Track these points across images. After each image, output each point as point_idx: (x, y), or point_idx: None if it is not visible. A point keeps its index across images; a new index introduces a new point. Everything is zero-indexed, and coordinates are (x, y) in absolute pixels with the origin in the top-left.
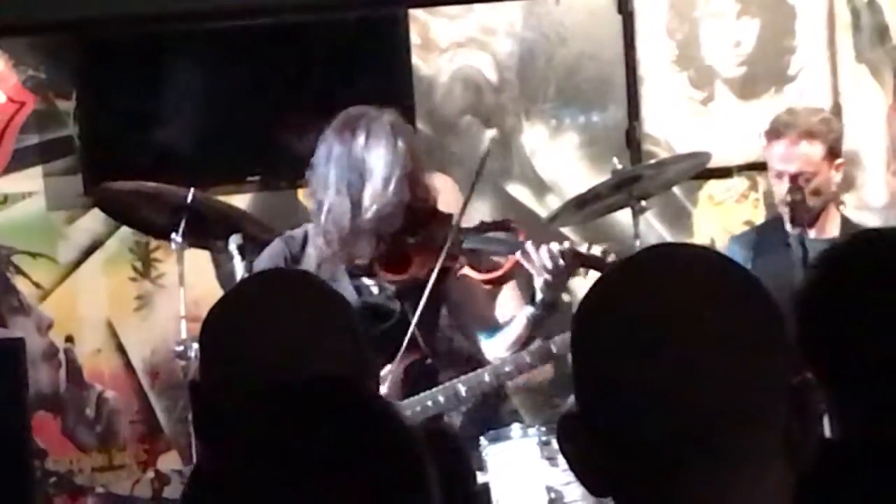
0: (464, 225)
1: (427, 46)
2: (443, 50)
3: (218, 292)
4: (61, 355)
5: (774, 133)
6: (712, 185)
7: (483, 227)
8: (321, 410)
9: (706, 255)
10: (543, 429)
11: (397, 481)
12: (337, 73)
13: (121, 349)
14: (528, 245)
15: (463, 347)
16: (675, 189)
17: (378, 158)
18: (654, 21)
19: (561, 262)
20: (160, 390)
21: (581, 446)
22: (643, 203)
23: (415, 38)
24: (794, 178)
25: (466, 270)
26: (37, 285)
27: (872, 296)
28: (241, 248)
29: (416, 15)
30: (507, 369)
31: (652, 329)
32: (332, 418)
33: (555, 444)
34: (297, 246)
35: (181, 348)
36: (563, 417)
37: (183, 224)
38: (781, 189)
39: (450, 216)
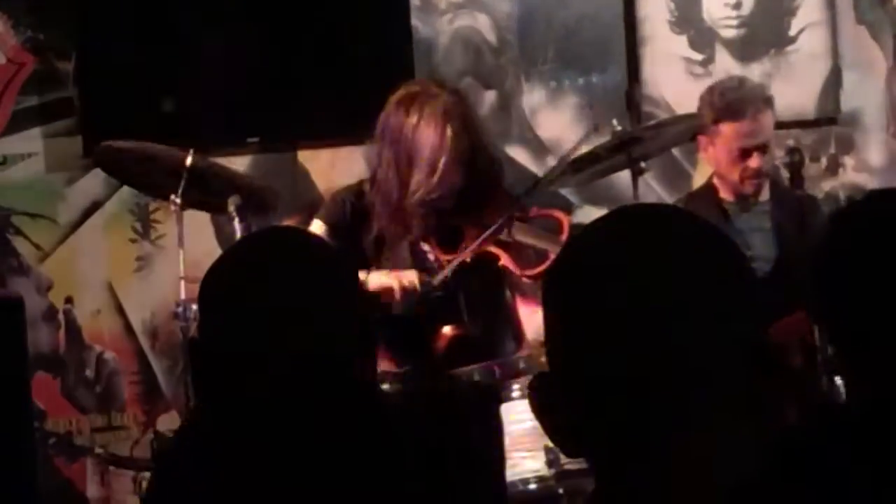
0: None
1: (426, 8)
2: (442, 11)
3: (218, 254)
4: (61, 316)
5: (732, 114)
6: None
7: (534, 213)
8: (307, 393)
9: (676, 214)
10: None
11: (373, 464)
12: (336, 35)
13: (120, 310)
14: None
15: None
16: (675, 151)
17: (426, 143)
18: None
19: None
20: (160, 351)
21: (553, 404)
22: (642, 164)
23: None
24: (761, 148)
25: (507, 263)
26: (37, 246)
27: (891, 255)
28: (240, 209)
29: None
30: (543, 360)
31: (617, 281)
32: (317, 401)
33: None
34: (363, 200)
35: (180, 309)
36: (534, 377)
37: (182, 185)
38: (738, 169)
39: (508, 196)
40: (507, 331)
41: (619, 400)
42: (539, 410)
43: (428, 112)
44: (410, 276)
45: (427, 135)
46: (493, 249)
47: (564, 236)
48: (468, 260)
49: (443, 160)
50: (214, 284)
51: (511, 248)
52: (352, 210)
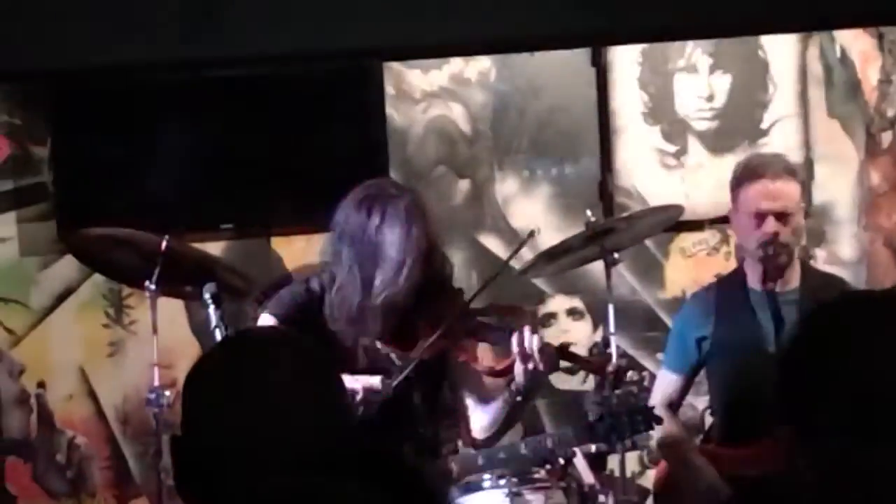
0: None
1: (401, 97)
2: (417, 100)
3: (191, 340)
4: (33, 401)
5: (750, 175)
6: (684, 238)
7: (493, 310)
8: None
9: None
10: (515, 480)
11: None
12: (312, 123)
13: (92, 395)
14: (526, 331)
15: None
16: (647, 241)
17: (391, 244)
18: (627, 74)
19: (546, 356)
20: (131, 437)
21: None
22: (615, 255)
23: (389, 88)
24: (779, 217)
25: (467, 359)
26: (9, 331)
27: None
28: (215, 297)
29: (391, 65)
30: (500, 455)
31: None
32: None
33: (526, 496)
34: (316, 292)
35: (153, 395)
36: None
37: (157, 271)
38: (756, 236)
39: (460, 292)
40: (458, 428)
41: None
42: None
43: (391, 212)
44: (373, 380)
45: (392, 237)
46: (451, 346)
47: (527, 330)
48: (425, 357)
49: (409, 260)
50: (201, 385)
51: (469, 343)
52: (301, 305)
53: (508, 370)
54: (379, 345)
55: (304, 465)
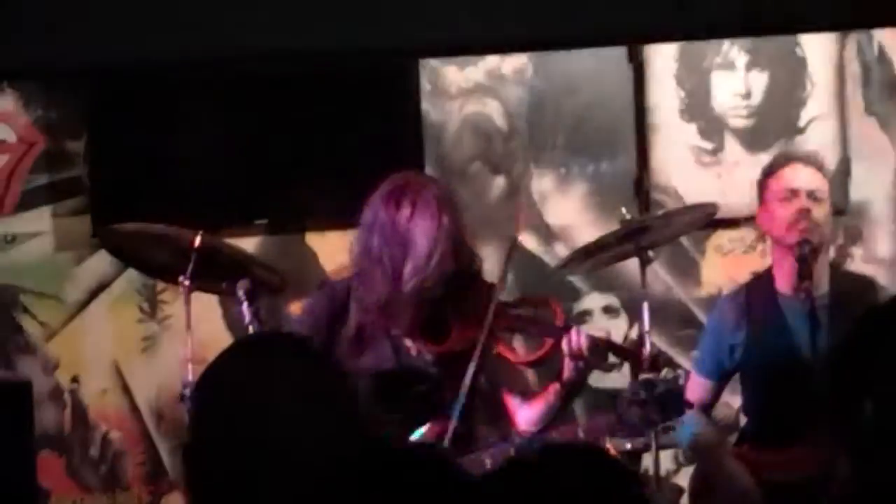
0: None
1: (437, 93)
2: (453, 97)
3: (225, 335)
4: (67, 395)
5: (783, 160)
6: (720, 236)
7: (523, 302)
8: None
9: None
10: None
11: None
12: (347, 119)
13: (126, 390)
14: (574, 330)
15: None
16: (683, 239)
17: (421, 233)
18: (664, 71)
19: (594, 352)
20: (165, 432)
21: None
22: (651, 253)
23: (425, 84)
24: (810, 196)
25: (504, 352)
26: (43, 325)
27: None
28: (248, 293)
29: (427, 61)
30: (534, 447)
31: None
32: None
33: None
34: (340, 298)
35: (187, 391)
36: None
37: (191, 267)
38: (788, 216)
39: (491, 285)
40: (490, 422)
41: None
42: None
43: (421, 203)
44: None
45: (422, 226)
46: (486, 339)
47: (559, 322)
48: (457, 350)
49: (439, 248)
50: (209, 391)
51: (504, 336)
52: (328, 317)
53: (542, 360)
54: (409, 342)
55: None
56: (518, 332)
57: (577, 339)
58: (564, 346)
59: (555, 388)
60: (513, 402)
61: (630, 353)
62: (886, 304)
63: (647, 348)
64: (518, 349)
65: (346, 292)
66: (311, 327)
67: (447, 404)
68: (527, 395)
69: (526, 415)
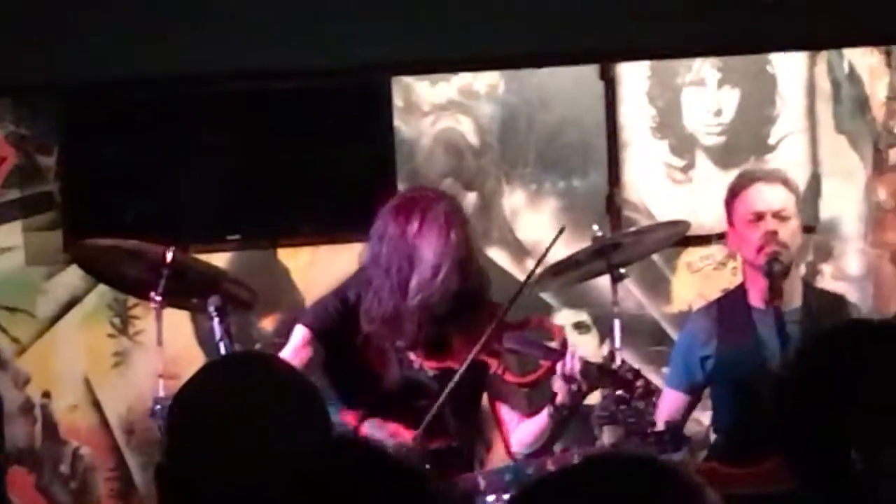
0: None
1: (409, 109)
2: (425, 113)
3: (196, 351)
4: (37, 410)
5: (746, 181)
6: (691, 253)
7: (526, 324)
8: None
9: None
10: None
11: None
12: (319, 135)
13: (97, 406)
14: (569, 354)
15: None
16: (654, 255)
17: (429, 247)
18: (636, 88)
19: (588, 376)
20: (135, 448)
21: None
22: (622, 270)
23: (397, 100)
24: (777, 216)
25: (500, 371)
26: (14, 340)
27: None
28: (219, 310)
29: (399, 77)
30: (528, 471)
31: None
32: None
33: None
34: (351, 304)
35: (158, 406)
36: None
37: (162, 282)
38: (756, 238)
39: (497, 306)
40: (486, 440)
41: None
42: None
43: (430, 217)
44: (404, 434)
45: (430, 240)
46: (486, 358)
47: (557, 345)
48: (457, 367)
49: (447, 263)
50: (184, 412)
51: (503, 355)
52: (337, 316)
53: (538, 382)
54: (412, 355)
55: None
56: (516, 353)
57: (571, 362)
58: (559, 369)
59: (549, 411)
60: (508, 423)
61: (622, 379)
62: (836, 330)
63: (619, 364)
64: (517, 370)
65: (357, 298)
66: (317, 312)
67: (446, 421)
68: (525, 414)
69: (520, 436)
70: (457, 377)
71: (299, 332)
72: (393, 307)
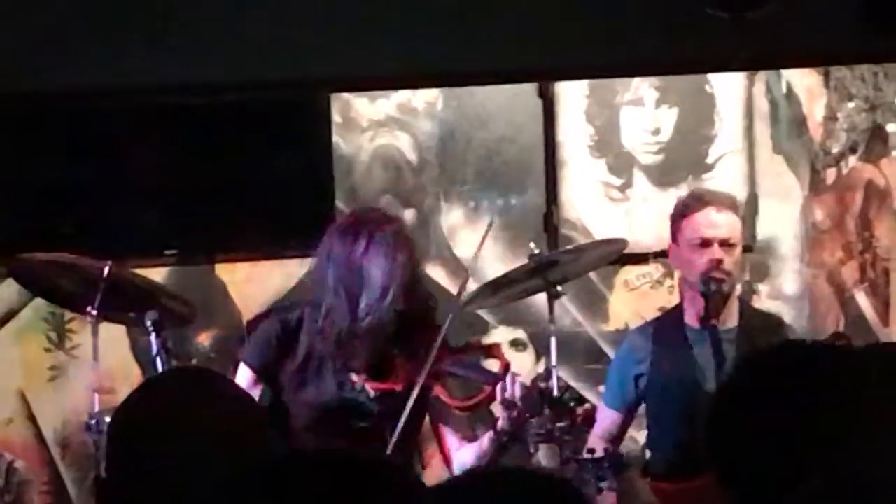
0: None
1: (347, 125)
2: (363, 129)
3: (132, 366)
4: None
5: (693, 205)
6: (628, 271)
7: (469, 348)
8: None
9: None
10: None
11: None
12: (258, 150)
13: (32, 419)
14: (509, 378)
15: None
16: (591, 274)
17: (377, 268)
18: (574, 107)
19: (528, 401)
20: (70, 462)
21: None
22: (559, 288)
23: (335, 116)
24: (723, 244)
25: (441, 394)
26: None
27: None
28: (156, 324)
29: (338, 94)
30: None
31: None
32: None
33: None
34: (291, 328)
35: (93, 421)
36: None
37: (99, 297)
38: (701, 264)
39: (439, 328)
40: (423, 460)
41: None
42: None
43: (377, 238)
44: None
45: (377, 262)
46: (427, 380)
47: (501, 369)
48: (399, 389)
49: (394, 285)
50: (127, 426)
51: (444, 378)
52: (277, 345)
53: (478, 406)
54: (354, 376)
55: None
56: (457, 376)
57: (511, 388)
58: (498, 393)
59: (489, 436)
60: (450, 445)
61: (565, 406)
62: (766, 353)
63: (555, 383)
64: (459, 393)
65: (298, 321)
66: (260, 349)
67: (386, 442)
68: (465, 437)
69: (461, 459)
70: (408, 408)
71: (244, 374)
72: (347, 329)
